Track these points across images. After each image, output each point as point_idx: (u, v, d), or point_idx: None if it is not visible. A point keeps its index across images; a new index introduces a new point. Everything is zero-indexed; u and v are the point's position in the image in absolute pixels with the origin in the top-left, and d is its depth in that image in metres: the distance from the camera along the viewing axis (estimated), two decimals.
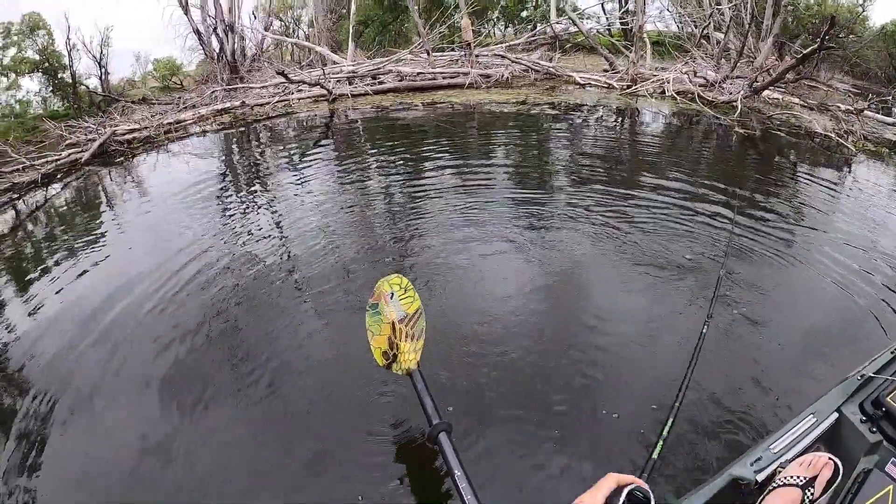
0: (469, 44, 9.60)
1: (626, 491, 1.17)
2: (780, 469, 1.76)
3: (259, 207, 4.59)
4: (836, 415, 2.05)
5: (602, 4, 14.76)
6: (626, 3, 13.16)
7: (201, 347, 2.69)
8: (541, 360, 2.72)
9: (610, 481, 1.22)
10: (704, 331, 2.52)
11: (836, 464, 1.75)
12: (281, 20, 15.32)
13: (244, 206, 4.67)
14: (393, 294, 2.37)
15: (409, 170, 5.44)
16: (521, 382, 2.57)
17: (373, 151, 5.87)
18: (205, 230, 4.05)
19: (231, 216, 4.39)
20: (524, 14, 15.59)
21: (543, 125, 7.65)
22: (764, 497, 1.65)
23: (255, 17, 12.94)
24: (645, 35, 11.42)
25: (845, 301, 3.84)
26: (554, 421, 2.35)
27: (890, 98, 14.37)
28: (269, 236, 3.94)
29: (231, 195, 4.91)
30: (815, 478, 1.69)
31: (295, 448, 2.14)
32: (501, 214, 4.43)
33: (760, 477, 1.74)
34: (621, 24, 13.63)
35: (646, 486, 1.22)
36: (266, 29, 12.70)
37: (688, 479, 2.18)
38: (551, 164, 6.02)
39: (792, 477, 1.68)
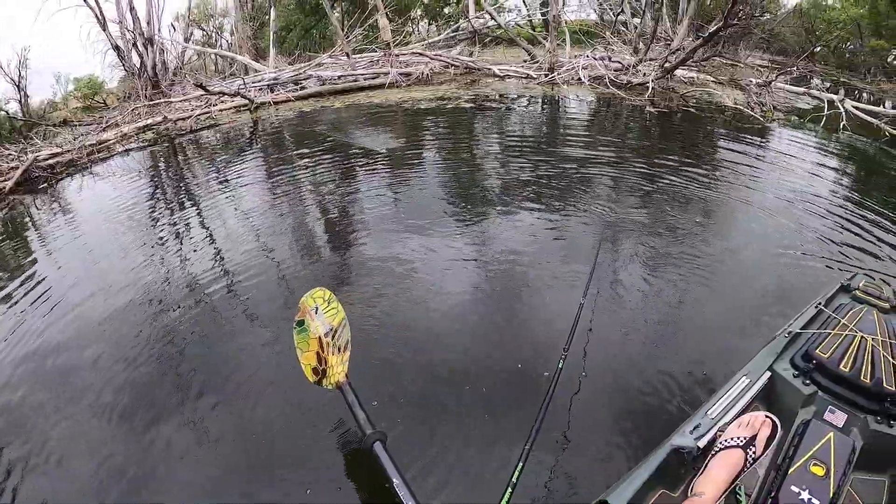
0: (388, 44, 10.09)
1: None
2: (719, 433, 1.86)
3: (191, 225, 4.69)
4: (768, 373, 2.19)
5: None
6: None
7: (148, 372, 2.76)
8: (479, 360, 2.84)
9: None
10: (582, 301, 2.67)
11: (773, 420, 1.87)
12: (203, 30, 15.52)
13: (176, 224, 4.76)
14: (317, 308, 2.39)
15: (336, 173, 5.71)
16: (459, 380, 2.68)
17: (298, 158, 6.17)
18: (139, 254, 4.11)
19: (163, 236, 4.47)
20: (447, 10, 16.14)
21: (462, 118, 8.17)
22: (708, 462, 1.74)
23: (174, 29, 13.17)
24: (563, 24, 12.12)
25: (767, 262, 4.29)
26: (498, 420, 2.47)
27: (796, 70, 15.62)
28: (205, 254, 4.04)
29: (162, 214, 4.99)
30: (754, 436, 1.80)
31: (237, 465, 2.24)
32: (432, 209, 4.70)
33: (702, 443, 1.83)
34: (542, 15, 14.33)
35: None
36: (186, 40, 12.92)
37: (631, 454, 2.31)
38: (471, 157, 6.46)
39: (732, 439, 1.78)
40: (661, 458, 1.74)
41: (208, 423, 2.43)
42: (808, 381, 2.15)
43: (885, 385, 2.08)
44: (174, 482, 2.18)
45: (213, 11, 15.66)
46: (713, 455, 1.75)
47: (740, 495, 1.73)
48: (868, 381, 2.10)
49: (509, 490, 1.66)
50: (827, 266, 4.29)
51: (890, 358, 2.20)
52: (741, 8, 12.35)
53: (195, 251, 4.11)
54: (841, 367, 2.14)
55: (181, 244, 4.29)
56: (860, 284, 3.00)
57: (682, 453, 1.78)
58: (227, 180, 5.66)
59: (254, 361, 2.81)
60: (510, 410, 2.50)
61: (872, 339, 2.27)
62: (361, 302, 3.30)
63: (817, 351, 2.22)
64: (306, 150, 6.44)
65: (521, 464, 1.71)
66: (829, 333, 2.33)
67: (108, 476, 2.22)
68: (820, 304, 2.68)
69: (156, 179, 6.14)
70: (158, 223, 4.78)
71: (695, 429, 1.87)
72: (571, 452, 2.31)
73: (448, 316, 3.24)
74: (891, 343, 2.29)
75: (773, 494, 1.67)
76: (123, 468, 2.25)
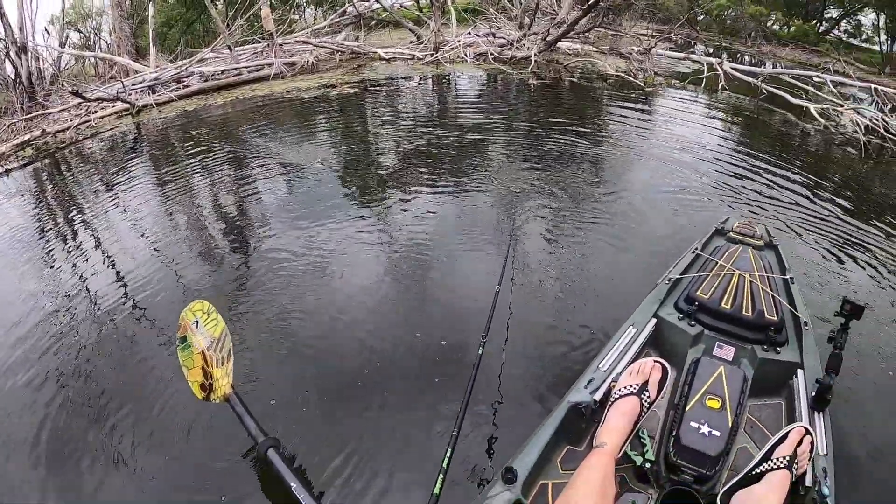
0: (271, 33, 10.13)
1: None
2: (613, 384, 1.93)
3: (77, 246, 4.49)
4: (654, 320, 2.30)
5: None
6: None
7: (60, 409, 2.65)
8: (392, 350, 2.94)
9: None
10: (497, 290, 2.69)
11: (662, 364, 1.94)
12: (80, 31, 14.98)
13: (69, 247, 4.51)
14: (198, 322, 2.38)
15: (224, 172, 5.73)
16: (372, 372, 2.78)
17: (183, 161, 6.15)
18: (32, 285, 3.86)
19: (57, 262, 4.23)
20: None
21: (348, 104, 8.42)
22: (606, 413, 1.81)
23: (48, 34, 12.66)
24: (449, 4, 12.46)
25: (660, 210, 4.76)
26: (394, 413, 2.54)
27: (679, 37, 16.64)
28: (93, 275, 3.90)
29: (52, 239, 4.69)
30: (646, 382, 1.86)
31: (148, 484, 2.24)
32: (328, 198, 4.83)
33: (598, 396, 1.91)
34: None
35: None
36: (62, 44, 12.47)
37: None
38: (363, 141, 6.68)
39: (626, 387, 1.84)
40: (561, 416, 1.80)
41: (96, 458, 2.34)
42: (693, 322, 2.28)
43: (766, 316, 2.26)
44: None
45: (90, 11, 15.11)
46: (610, 405, 1.82)
47: (644, 438, 1.81)
48: (750, 314, 2.26)
49: (441, 476, 1.62)
50: (717, 205, 4.94)
51: (768, 290, 2.38)
52: None
53: (82, 274, 3.95)
54: (723, 304, 2.30)
55: (67, 269, 4.09)
56: (734, 226, 3.22)
57: (579, 408, 1.84)
58: (111, 193, 5.52)
59: (143, 386, 2.74)
60: (429, 400, 2.59)
61: (750, 275, 2.43)
62: (264, 303, 3.36)
63: (698, 293, 2.36)
64: (191, 152, 6.45)
65: (450, 450, 1.67)
66: (709, 275, 2.47)
67: None
68: (697, 248, 2.87)
69: (42, 199, 5.77)
70: (42, 248, 4.49)
71: (589, 383, 1.95)
72: (499, 432, 2.40)
73: (357, 308, 3.31)
74: (767, 276, 2.47)
75: (674, 433, 1.77)
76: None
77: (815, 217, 5.13)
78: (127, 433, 2.45)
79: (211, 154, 6.30)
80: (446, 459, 1.66)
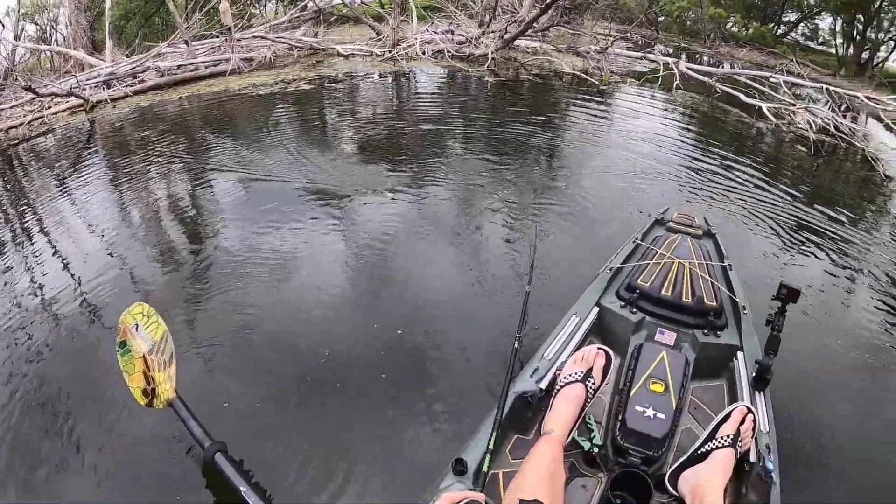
0: (229, 28, 10.17)
1: None
2: (558, 372, 1.97)
3: (31, 246, 4.38)
4: (596, 308, 2.38)
5: None
6: None
7: (21, 420, 2.56)
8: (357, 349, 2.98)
9: (443, 501, 1.27)
10: (528, 290, 2.73)
11: (606, 351, 2.00)
12: (36, 24, 14.83)
13: (13, 247, 4.40)
14: (138, 325, 2.33)
15: (180, 170, 5.70)
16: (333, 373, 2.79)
17: (138, 157, 6.09)
18: None
19: (12, 267, 4.06)
20: None
21: (304, 100, 8.54)
22: (552, 401, 1.85)
23: (2, 27, 12.51)
24: (410, 1, 12.63)
25: (602, 202, 5.02)
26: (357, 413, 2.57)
27: (638, 37, 17.09)
28: (48, 277, 3.81)
29: (5, 242, 4.55)
30: (591, 369, 1.91)
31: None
32: (285, 197, 4.83)
33: (543, 384, 1.96)
34: None
35: (479, 497, 1.29)
36: (17, 37, 12.38)
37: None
38: (318, 137, 6.77)
39: (570, 375, 1.89)
40: (508, 407, 1.84)
41: (36, 468, 2.29)
42: (634, 310, 2.37)
43: (705, 301, 2.35)
44: None
45: (47, 3, 14.96)
46: (556, 393, 1.86)
47: (591, 424, 1.86)
48: (690, 300, 2.35)
49: (488, 456, 1.66)
50: (667, 194, 5.30)
51: (707, 277, 2.47)
52: None
53: (23, 274, 3.87)
54: (663, 291, 2.38)
55: (8, 269, 3.98)
56: (673, 216, 3.31)
57: (525, 398, 1.89)
58: (62, 191, 5.42)
59: (86, 393, 2.68)
60: (385, 393, 2.65)
61: (689, 263, 2.51)
62: (217, 302, 3.35)
63: (639, 281, 2.44)
64: (145, 149, 6.43)
65: (494, 434, 1.70)
66: (649, 264, 2.54)
67: None
68: (637, 238, 2.96)
69: None
70: (5, 250, 4.35)
71: (534, 372, 2.00)
72: (449, 422, 2.47)
73: (311, 303, 3.36)
74: (706, 264, 2.57)
75: (620, 417, 1.83)
76: None
77: (758, 207, 5.49)
78: (70, 442, 2.39)
79: (164, 151, 6.28)
80: (492, 440, 1.69)
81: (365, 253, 3.94)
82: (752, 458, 1.77)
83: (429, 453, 2.33)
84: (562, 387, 1.86)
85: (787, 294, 2.10)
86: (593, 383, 1.89)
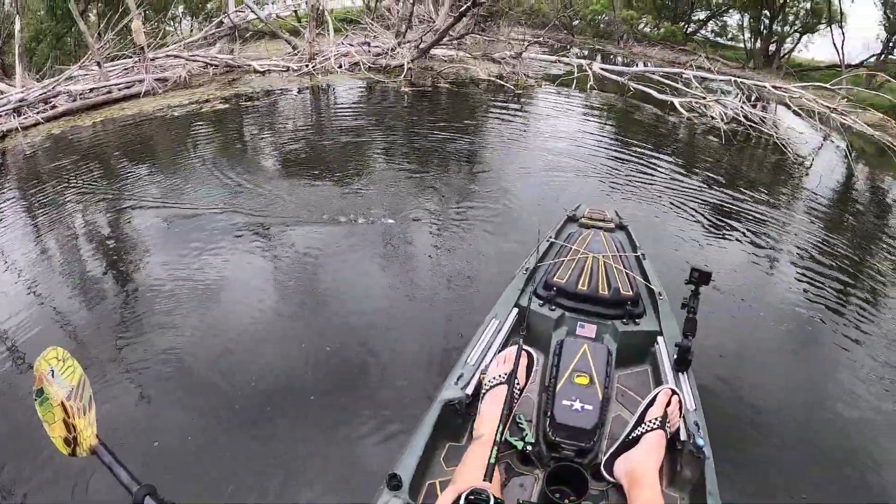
0: (143, 48, 10.07)
1: (462, 498, 1.22)
2: (483, 376, 1.96)
3: None
4: (515, 309, 2.39)
5: None
6: None
7: None
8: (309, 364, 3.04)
9: (448, 494, 1.27)
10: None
11: (526, 350, 1.97)
12: None
13: None
14: (53, 371, 2.19)
15: (94, 202, 5.45)
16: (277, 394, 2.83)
17: (51, 189, 5.89)
18: None
19: None
20: (210, 5, 16.09)
21: (221, 120, 8.55)
22: (480, 405, 1.85)
23: None
24: (326, 14, 12.82)
25: (521, 202, 5.27)
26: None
27: (554, 42, 17.81)
28: None
29: None
30: (514, 370, 1.86)
31: None
32: (204, 222, 4.80)
33: (469, 390, 1.94)
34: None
35: (483, 487, 1.27)
36: None
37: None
38: (234, 158, 6.67)
39: (495, 377, 1.88)
40: (436, 414, 1.82)
41: None
42: (553, 307, 2.40)
43: (622, 292, 2.42)
44: None
45: None
46: (482, 397, 1.86)
47: (522, 423, 1.87)
48: (606, 292, 2.41)
49: (495, 449, 1.59)
50: (585, 189, 5.75)
51: (622, 268, 2.54)
52: None
53: None
54: (579, 286, 2.43)
55: None
56: (585, 212, 3.39)
57: (453, 405, 1.87)
58: None
59: (8, 446, 2.65)
60: (318, 415, 2.70)
61: (602, 256, 2.57)
62: (139, 338, 3.30)
63: (555, 278, 2.48)
64: (57, 181, 6.17)
65: (501, 426, 1.65)
66: (564, 261, 2.57)
67: None
68: (551, 237, 3.02)
69: None
70: None
71: (459, 378, 1.99)
72: (384, 432, 2.57)
73: (236, 331, 3.35)
74: (620, 256, 2.64)
75: (549, 413, 1.84)
76: None
77: (675, 197, 6.04)
78: None
79: (79, 182, 6.07)
80: (499, 433, 1.63)
81: (291, 273, 3.98)
82: (683, 436, 1.83)
83: (364, 471, 2.36)
84: (487, 390, 1.86)
85: (699, 277, 2.16)
86: (518, 383, 1.87)
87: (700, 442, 1.74)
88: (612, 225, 3.26)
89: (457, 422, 1.89)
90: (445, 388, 1.95)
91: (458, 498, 1.13)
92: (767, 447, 2.81)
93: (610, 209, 3.52)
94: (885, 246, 5.86)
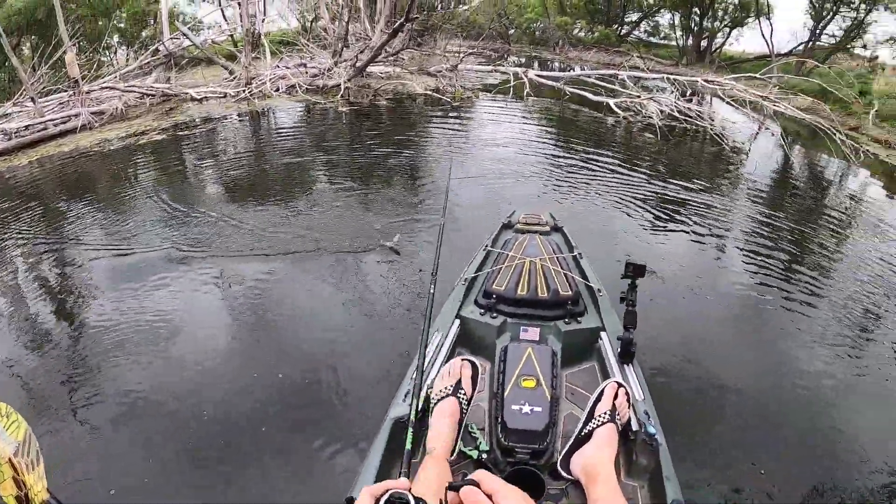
0: (77, 80, 9.96)
1: (382, 500, 1.12)
2: (430, 390, 1.95)
3: None
4: (458, 320, 2.39)
5: (222, 11, 15.89)
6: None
7: None
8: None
9: (364, 497, 1.17)
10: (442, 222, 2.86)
11: (469, 360, 2.01)
12: None
13: None
14: None
15: (39, 245, 5.29)
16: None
17: None
18: None
19: None
20: (145, 33, 15.92)
21: (158, 152, 8.38)
22: (429, 420, 1.85)
23: None
24: (262, 37, 12.97)
25: (466, 209, 5.37)
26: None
27: (491, 52, 18.35)
28: None
29: None
30: (459, 381, 1.91)
31: None
32: (156, 257, 4.75)
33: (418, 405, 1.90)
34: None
35: (402, 486, 1.14)
36: None
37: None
38: (173, 190, 6.58)
39: (441, 391, 1.89)
40: (387, 433, 1.82)
41: None
42: (495, 315, 2.42)
43: (561, 293, 2.46)
44: None
45: None
46: (431, 411, 1.86)
47: (474, 432, 1.89)
48: (546, 294, 2.44)
49: (410, 430, 1.67)
50: (526, 193, 5.97)
51: (559, 269, 2.57)
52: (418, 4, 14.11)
53: None
54: (519, 292, 2.46)
55: None
56: (520, 218, 3.42)
57: (403, 422, 1.81)
58: None
59: None
60: (281, 446, 2.71)
61: (539, 259, 2.59)
62: (96, 380, 3.27)
63: (494, 286, 2.51)
64: None
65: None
66: (502, 268, 2.60)
67: None
68: (487, 245, 3.04)
69: None
70: None
71: (406, 395, 1.98)
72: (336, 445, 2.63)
73: (200, 367, 3.33)
74: (557, 257, 2.67)
75: (499, 419, 1.86)
76: None
77: (617, 194, 6.35)
78: None
79: (15, 226, 5.83)
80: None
81: (240, 304, 3.96)
82: (634, 426, 1.86)
83: (324, 500, 2.39)
84: (435, 404, 1.87)
85: (634, 270, 2.19)
86: (464, 394, 1.90)
87: (651, 430, 1.79)
88: (547, 228, 3.33)
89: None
90: (394, 406, 1.96)
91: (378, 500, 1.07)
92: (722, 427, 2.90)
93: (545, 212, 3.59)
94: (824, 220, 6.37)
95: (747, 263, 4.90)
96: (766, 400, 3.15)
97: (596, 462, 1.67)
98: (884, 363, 3.62)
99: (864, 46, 19.59)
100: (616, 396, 1.86)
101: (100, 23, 14.26)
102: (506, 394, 1.91)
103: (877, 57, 19.00)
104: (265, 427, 2.81)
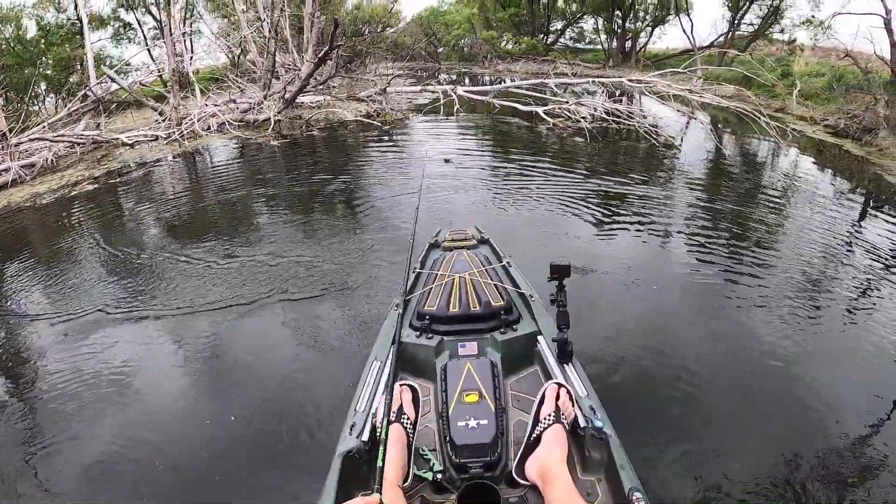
0: (4, 133, 9.82)
1: None
2: (374, 420, 1.96)
3: None
4: (394, 347, 2.27)
5: (149, 51, 15.94)
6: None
7: None
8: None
9: None
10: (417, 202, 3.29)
11: (408, 385, 2.05)
12: None
13: None
14: None
15: None
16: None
17: None
18: None
19: None
20: (73, 79, 15.81)
21: (92, 204, 8.19)
22: (381, 448, 1.76)
23: None
24: (190, 75, 13.10)
25: (400, 232, 5.46)
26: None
27: (420, 72, 18.90)
28: None
29: None
30: (401, 406, 1.95)
31: None
32: (94, 316, 4.63)
33: (365, 437, 1.93)
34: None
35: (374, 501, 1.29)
36: None
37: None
38: (113, 239, 6.50)
39: (384, 419, 1.84)
40: (338, 469, 1.80)
41: None
42: (430, 335, 2.44)
43: (493, 304, 2.51)
44: None
45: None
46: (381, 440, 1.79)
47: (426, 454, 1.92)
48: (478, 307, 2.49)
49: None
50: (460, 208, 6.24)
51: (489, 280, 2.63)
52: (341, 32, 14.44)
53: None
54: (451, 309, 2.50)
55: None
56: (446, 236, 3.49)
57: (353, 455, 1.85)
58: None
59: None
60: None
61: (468, 274, 2.65)
62: (62, 447, 3.18)
63: (426, 307, 2.54)
64: None
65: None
66: (432, 287, 2.64)
67: None
68: (416, 268, 3.06)
69: None
70: None
71: (352, 428, 1.99)
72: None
73: (150, 420, 3.31)
74: (486, 269, 2.72)
75: (447, 438, 1.90)
76: None
77: (547, 199, 6.63)
78: None
79: None
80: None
81: (189, 355, 3.92)
82: (582, 423, 1.90)
83: None
84: (382, 430, 1.81)
85: (558, 271, 2.23)
86: (407, 418, 1.93)
87: (599, 424, 1.83)
88: (474, 242, 3.41)
89: (362, 470, 1.86)
90: (342, 441, 1.95)
91: None
92: (673, 411, 2.97)
93: (470, 227, 3.67)
94: (761, 198, 6.87)
95: (690, 248, 5.10)
96: (715, 381, 3.24)
97: (548, 464, 1.72)
98: (836, 326, 3.84)
99: (783, 31, 21.04)
100: (558, 397, 1.92)
101: (26, 71, 14.13)
102: (451, 411, 1.95)
103: (795, 40, 20.35)
104: (218, 476, 2.80)
